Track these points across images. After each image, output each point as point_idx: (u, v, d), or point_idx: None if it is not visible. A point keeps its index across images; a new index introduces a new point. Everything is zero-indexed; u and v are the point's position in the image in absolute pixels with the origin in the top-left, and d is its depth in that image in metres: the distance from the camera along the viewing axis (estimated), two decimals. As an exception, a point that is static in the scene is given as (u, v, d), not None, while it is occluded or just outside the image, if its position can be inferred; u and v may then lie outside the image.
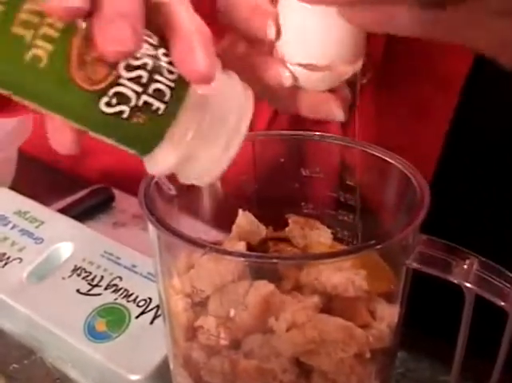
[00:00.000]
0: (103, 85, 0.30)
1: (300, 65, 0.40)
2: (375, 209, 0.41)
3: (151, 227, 0.35)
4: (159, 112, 0.31)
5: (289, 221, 0.42)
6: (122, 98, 0.30)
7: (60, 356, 0.49)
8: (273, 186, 0.43)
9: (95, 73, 0.30)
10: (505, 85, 0.56)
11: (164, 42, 0.31)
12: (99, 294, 0.50)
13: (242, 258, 0.36)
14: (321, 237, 0.41)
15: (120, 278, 0.51)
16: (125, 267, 0.52)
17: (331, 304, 0.36)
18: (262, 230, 0.42)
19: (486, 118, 0.59)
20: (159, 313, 0.48)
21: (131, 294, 0.50)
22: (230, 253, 0.36)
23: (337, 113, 0.42)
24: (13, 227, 0.57)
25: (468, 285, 0.33)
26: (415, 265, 0.34)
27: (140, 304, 0.49)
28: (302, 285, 0.37)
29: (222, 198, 0.41)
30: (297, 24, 0.40)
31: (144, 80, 0.30)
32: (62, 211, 0.62)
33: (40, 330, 0.49)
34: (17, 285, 0.52)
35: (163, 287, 0.38)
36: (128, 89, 0.30)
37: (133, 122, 0.31)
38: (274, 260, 0.36)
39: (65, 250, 0.55)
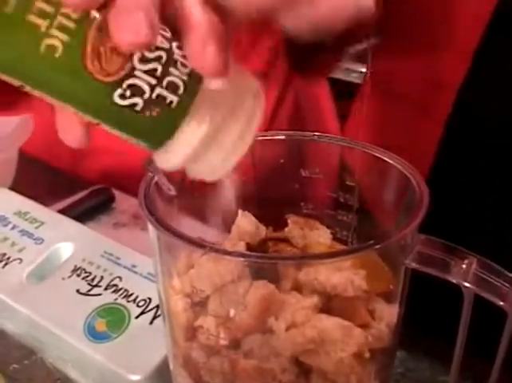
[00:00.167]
0: (117, 77, 0.30)
1: None
2: (374, 209, 0.41)
3: (150, 228, 0.35)
4: (173, 106, 0.31)
5: (289, 221, 0.42)
6: (136, 90, 0.30)
7: (60, 356, 0.49)
8: (273, 186, 0.43)
9: (110, 64, 0.29)
10: (503, 82, 0.56)
11: (178, 35, 0.31)
12: (99, 295, 0.50)
13: (242, 258, 0.36)
14: (321, 237, 0.41)
15: (120, 279, 0.51)
16: (125, 267, 0.52)
17: (330, 304, 0.36)
18: (262, 231, 0.42)
19: (485, 115, 0.59)
20: (158, 313, 0.48)
21: (131, 294, 0.50)
22: (229, 253, 0.36)
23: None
24: (13, 228, 0.57)
25: (467, 284, 0.33)
26: (414, 265, 0.34)
27: (140, 304, 0.49)
28: (302, 285, 0.37)
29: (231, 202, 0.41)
30: None
31: (158, 73, 0.30)
32: (62, 211, 0.62)
33: (40, 331, 0.49)
34: (17, 285, 0.52)
35: (162, 287, 0.38)
36: (142, 82, 0.30)
37: (146, 115, 0.31)
38: (274, 260, 0.36)
39: (65, 250, 0.55)
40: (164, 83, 0.31)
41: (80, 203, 0.67)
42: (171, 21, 0.32)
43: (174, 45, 0.31)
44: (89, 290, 0.50)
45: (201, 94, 0.31)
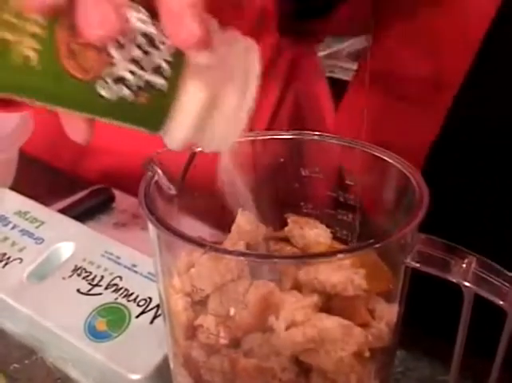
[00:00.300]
0: (98, 72, 0.29)
1: None
2: (374, 208, 0.41)
3: (151, 227, 0.35)
4: (162, 88, 0.30)
5: (289, 221, 0.42)
6: (120, 81, 0.30)
7: (60, 356, 0.49)
8: (273, 186, 0.43)
9: (86, 60, 0.29)
10: (503, 82, 0.56)
11: (155, 13, 0.30)
12: (99, 294, 0.50)
13: (242, 258, 0.36)
14: (321, 236, 0.41)
15: (121, 278, 0.51)
16: (125, 267, 0.52)
17: (330, 303, 0.37)
18: (262, 230, 0.42)
19: (484, 115, 0.59)
20: (159, 312, 0.48)
21: (132, 294, 0.50)
22: (229, 252, 0.36)
23: None
24: (13, 228, 0.57)
25: (467, 284, 0.33)
26: (413, 264, 0.34)
27: (140, 303, 0.49)
28: (301, 284, 0.37)
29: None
30: None
31: (140, 58, 0.30)
32: (62, 211, 0.62)
33: (40, 330, 0.49)
34: (17, 285, 0.52)
35: (163, 286, 0.38)
36: (124, 71, 0.30)
37: (137, 102, 0.30)
38: (274, 259, 0.36)
39: (66, 250, 0.55)
40: (148, 67, 0.30)
41: (81, 203, 0.67)
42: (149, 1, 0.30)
43: (151, 25, 0.30)
44: (90, 290, 0.50)
45: (188, 69, 0.31)
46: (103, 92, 0.30)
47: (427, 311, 0.52)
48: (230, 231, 0.41)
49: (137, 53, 0.30)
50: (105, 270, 0.52)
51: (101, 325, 0.48)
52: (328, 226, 0.42)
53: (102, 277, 0.51)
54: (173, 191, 0.38)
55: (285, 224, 0.42)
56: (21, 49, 0.29)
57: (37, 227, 0.57)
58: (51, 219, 0.58)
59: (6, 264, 0.54)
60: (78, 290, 0.51)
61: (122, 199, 0.68)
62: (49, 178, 0.74)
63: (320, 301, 0.36)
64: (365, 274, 0.36)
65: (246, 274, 0.36)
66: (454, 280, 0.33)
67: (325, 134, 0.42)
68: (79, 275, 0.52)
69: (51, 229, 0.57)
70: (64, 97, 0.30)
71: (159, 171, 0.37)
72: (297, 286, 0.37)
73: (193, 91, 0.31)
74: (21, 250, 0.55)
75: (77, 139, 0.33)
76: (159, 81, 0.30)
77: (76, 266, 0.53)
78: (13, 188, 0.65)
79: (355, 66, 0.76)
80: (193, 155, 0.38)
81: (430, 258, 0.34)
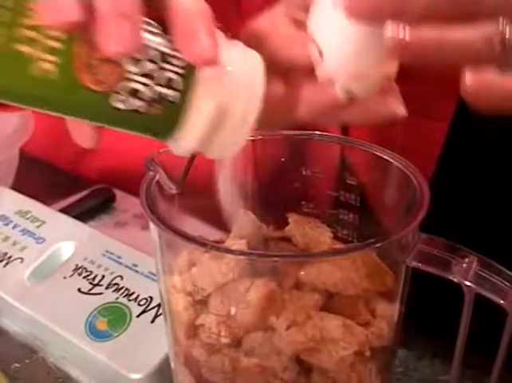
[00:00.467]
0: (113, 84, 0.30)
1: (350, 77, 0.37)
2: (375, 208, 0.41)
3: (152, 226, 0.35)
4: (174, 100, 0.31)
5: (290, 220, 0.42)
6: (134, 93, 0.31)
7: (61, 355, 0.49)
8: (274, 185, 0.43)
9: (103, 73, 0.30)
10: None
11: (165, 27, 0.31)
12: (100, 293, 0.50)
13: (243, 257, 0.36)
14: (322, 236, 0.41)
15: (121, 277, 0.51)
16: (126, 266, 0.52)
17: (331, 302, 0.37)
18: (263, 230, 0.42)
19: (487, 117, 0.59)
20: (160, 311, 0.48)
21: (133, 293, 0.50)
22: (231, 251, 0.36)
23: (398, 108, 0.39)
24: (14, 227, 0.57)
25: (468, 283, 0.33)
26: (414, 263, 0.34)
27: (141, 303, 0.49)
28: (303, 283, 0.37)
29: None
30: (339, 38, 0.37)
31: (153, 71, 0.31)
32: (63, 210, 0.62)
33: (41, 330, 0.49)
34: (18, 284, 0.52)
35: (164, 286, 0.38)
36: (137, 84, 0.31)
37: (150, 114, 0.31)
38: (275, 258, 0.36)
39: (67, 249, 0.55)
40: (161, 80, 0.31)
41: (82, 203, 0.67)
42: (160, 14, 0.31)
43: (164, 39, 0.31)
44: (91, 289, 0.50)
45: (199, 82, 0.32)
46: (117, 104, 0.31)
47: (427, 311, 0.52)
48: (231, 231, 0.41)
49: (151, 66, 0.31)
50: (106, 269, 0.52)
51: (102, 324, 0.48)
52: (329, 225, 0.42)
53: (103, 276, 0.52)
54: (174, 191, 0.38)
55: (286, 224, 0.42)
56: (40, 62, 0.29)
57: (38, 227, 0.57)
58: (52, 219, 0.58)
59: (7, 264, 0.54)
60: (79, 290, 0.51)
61: (123, 199, 0.68)
62: (49, 177, 0.74)
63: (321, 300, 0.36)
64: (366, 273, 0.36)
65: (247, 273, 0.36)
66: (455, 279, 0.33)
67: (326, 133, 0.42)
68: (80, 275, 0.52)
69: (52, 228, 0.57)
70: (77, 108, 0.31)
71: (161, 171, 0.37)
72: (298, 286, 0.37)
73: (203, 102, 0.32)
74: (22, 249, 0.55)
75: (84, 145, 0.34)
76: (171, 94, 0.31)
77: (77, 265, 0.53)
78: (13, 188, 0.65)
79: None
80: (194, 155, 0.38)
81: (431, 257, 0.34)
